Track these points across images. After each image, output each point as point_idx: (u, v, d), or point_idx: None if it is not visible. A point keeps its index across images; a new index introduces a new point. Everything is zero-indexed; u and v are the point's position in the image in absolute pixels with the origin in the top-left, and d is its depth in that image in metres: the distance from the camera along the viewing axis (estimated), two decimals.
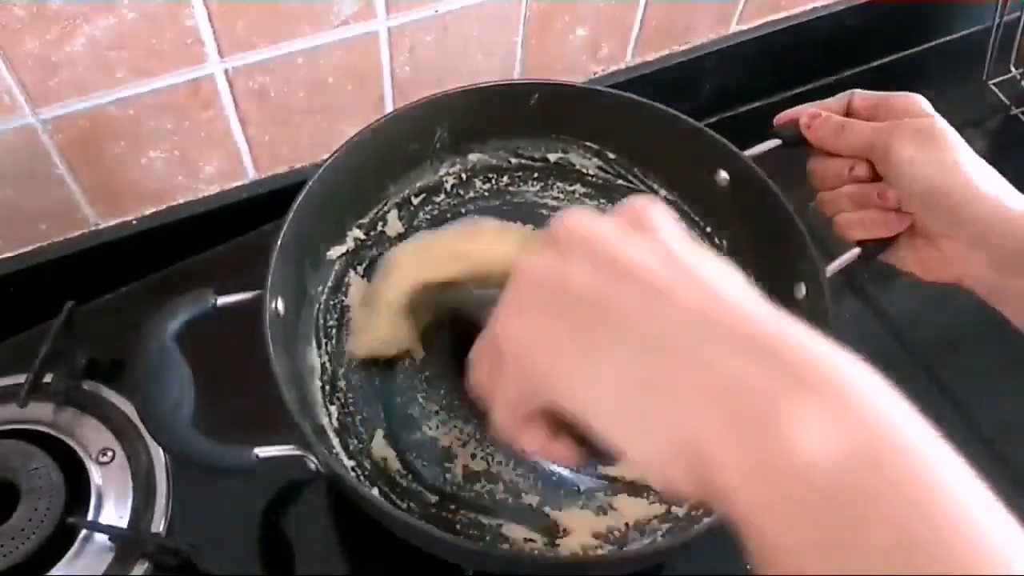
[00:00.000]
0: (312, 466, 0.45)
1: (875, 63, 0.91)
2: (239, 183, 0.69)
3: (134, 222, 0.66)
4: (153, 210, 0.66)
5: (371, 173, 0.61)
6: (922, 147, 0.48)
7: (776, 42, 0.82)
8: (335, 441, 0.55)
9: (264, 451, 0.45)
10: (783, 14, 0.82)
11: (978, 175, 0.48)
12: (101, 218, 0.65)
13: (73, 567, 0.51)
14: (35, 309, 0.61)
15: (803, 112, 0.54)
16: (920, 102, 0.51)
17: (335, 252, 0.61)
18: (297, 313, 0.56)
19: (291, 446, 0.45)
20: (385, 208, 0.64)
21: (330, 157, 0.55)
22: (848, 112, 0.54)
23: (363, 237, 0.62)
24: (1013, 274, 0.48)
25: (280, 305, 0.51)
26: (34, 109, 0.55)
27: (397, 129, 0.59)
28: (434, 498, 0.55)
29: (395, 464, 0.56)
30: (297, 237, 0.53)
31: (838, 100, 0.54)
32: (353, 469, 0.54)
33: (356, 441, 0.56)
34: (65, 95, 0.55)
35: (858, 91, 0.54)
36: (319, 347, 0.58)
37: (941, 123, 0.49)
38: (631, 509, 0.55)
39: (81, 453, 0.55)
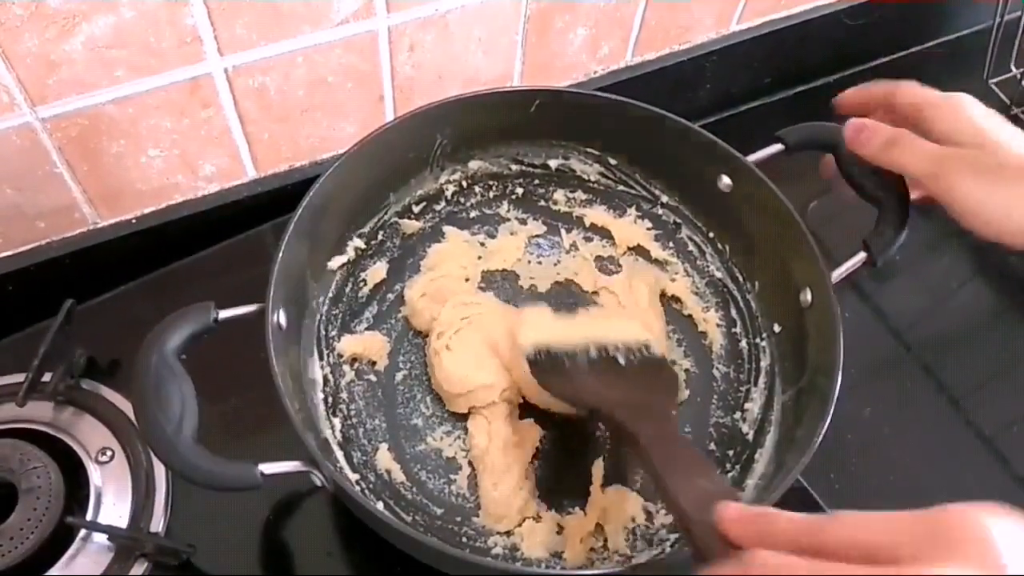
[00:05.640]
0: (317, 482, 0.45)
1: (875, 62, 0.91)
2: (239, 182, 0.69)
3: (133, 221, 0.66)
4: (153, 209, 0.66)
5: (371, 183, 0.61)
6: (985, 186, 0.47)
7: (776, 42, 0.82)
8: (339, 454, 0.55)
9: (268, 467, 0.44)
10: (783, 13, 0.82)
11: None
12: (100, 217, 0.65)
13: (72, 567, 0.51)
14: (34, 308, 0.61)
15: (849, 124, 0.53)
16: (968, 113, 0.49)
17: (336, 262, 0.61)
18: (298, 324, 0.56)
19: (296, 462, 0.45)
20: (386, 217, 0.64)
21: (329, 169, 0.55)
22: (892, 105, 0.52)
23: (364, 247, 0.62)
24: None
25: (282, 317, 0.50)
26: (33, 108, 0.55)
27: (397, 139, 0.59)
28: (439, 510, 0.54)
29: (400, 476, 0.55)
30: (298, 250, 0.53)
31: (884, 91, 0.53)
32: (358, 483, 0.54)
33: (360, 454, 0.56)
34: (64, 94, 0.55)
35: (903, 85, 0.52)
36: (321, 358, 0.58)
37: (1002, 153, 0.47)
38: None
39: (80, 452, 0.55)
